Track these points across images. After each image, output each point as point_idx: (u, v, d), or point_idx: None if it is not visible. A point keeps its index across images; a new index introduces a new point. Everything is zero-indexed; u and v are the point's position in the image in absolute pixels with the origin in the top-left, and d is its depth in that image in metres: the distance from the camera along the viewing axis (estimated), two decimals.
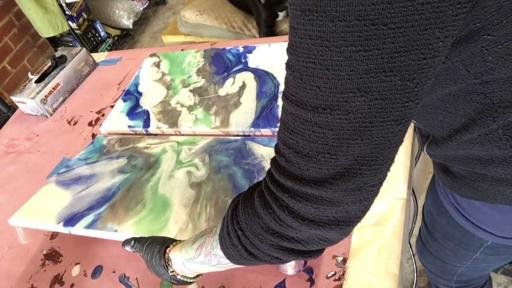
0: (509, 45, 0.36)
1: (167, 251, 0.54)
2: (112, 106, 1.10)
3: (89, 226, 0.70)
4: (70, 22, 2.50)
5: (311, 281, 0.64)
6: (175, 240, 0.55)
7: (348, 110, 0.30)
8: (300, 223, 0.35)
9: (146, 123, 0.96)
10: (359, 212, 0.36)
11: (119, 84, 1.19)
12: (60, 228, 0.73)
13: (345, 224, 0.36)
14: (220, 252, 0.43)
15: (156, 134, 0.96)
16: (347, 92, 0.29)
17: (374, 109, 0.30)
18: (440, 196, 0.65)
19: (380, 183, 0.35)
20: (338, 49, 0.28)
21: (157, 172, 0.79)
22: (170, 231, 0.66)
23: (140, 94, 1.06)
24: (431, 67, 0.29)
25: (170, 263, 0.53)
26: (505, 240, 0.59)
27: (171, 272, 0.53)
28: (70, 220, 0.72)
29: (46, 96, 1.15)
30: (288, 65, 0.32)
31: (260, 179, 0.67)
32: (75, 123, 1.13)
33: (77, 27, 2.55)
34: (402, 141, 0.34)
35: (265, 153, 0.76)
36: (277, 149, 0.37)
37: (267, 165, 0.72)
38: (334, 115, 0.30)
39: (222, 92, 0.96)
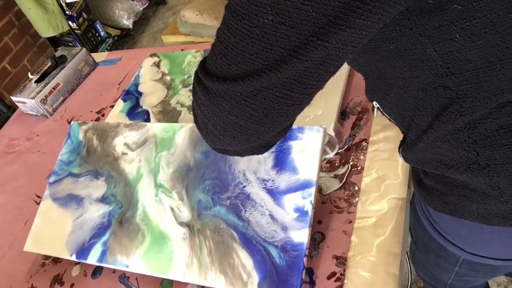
0: (477, 23, 0.36)
1: None
2: (112, 106, 1.10)
3: (101, 259, 0.72)
4: (70, 22, 2.50)
5: (312, 282, 0.64)
6: None
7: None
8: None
9: None
10: None
11: (119, 84, 1.19)
12: (75, 259, 0.75)
13: None
14: None
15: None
16: None
17: None
18: (416, 208, 0.66)
19: None
20: None
21: (138, 207, 0.75)
22: (177, 266, 0.66)
23: (140, 94, 1.06)
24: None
25: None
26: (474, 257, 0.58)
27: None
28: (81, 252, 0.75)
29: (46, 96, 1.15)
30: None
31: (248, 210, 0.64)
32: None
33: (77, 27, 2.55)
34: None
35: (247, 168, 0.68)
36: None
37: (252, 190, 0.65)
38: None
39: None
